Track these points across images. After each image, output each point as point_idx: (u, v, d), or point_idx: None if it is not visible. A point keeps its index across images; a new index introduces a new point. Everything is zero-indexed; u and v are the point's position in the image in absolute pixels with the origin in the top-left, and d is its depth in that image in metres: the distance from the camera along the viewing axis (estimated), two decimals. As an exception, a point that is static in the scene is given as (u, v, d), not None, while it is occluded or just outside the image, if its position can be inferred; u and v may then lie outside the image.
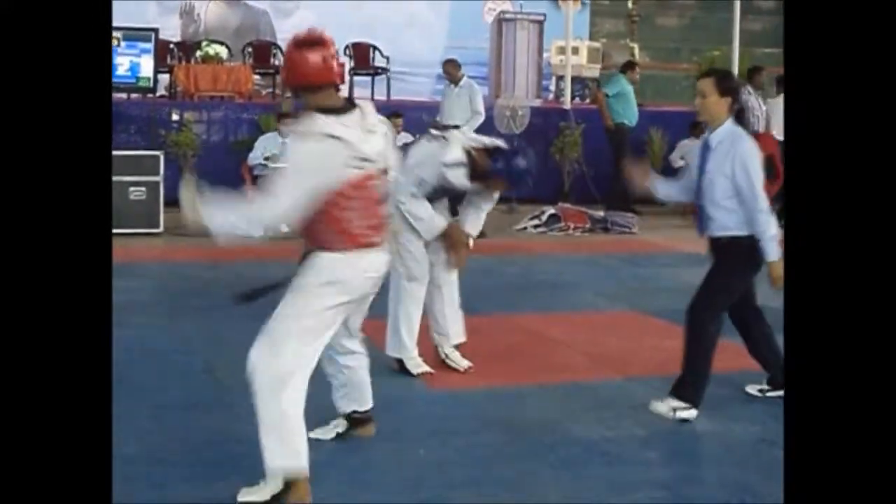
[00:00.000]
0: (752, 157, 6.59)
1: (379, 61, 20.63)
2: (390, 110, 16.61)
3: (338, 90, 5.51)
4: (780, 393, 6.87)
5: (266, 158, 14.83)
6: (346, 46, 20.01)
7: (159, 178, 14.17)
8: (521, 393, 7.20)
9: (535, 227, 15.71)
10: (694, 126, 18.51)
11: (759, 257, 6.68)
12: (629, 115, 17.90)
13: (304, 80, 5.40)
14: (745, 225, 6.66)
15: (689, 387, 6.78)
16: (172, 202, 15.63)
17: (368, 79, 20.19)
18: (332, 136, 5.14)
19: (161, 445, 6.10)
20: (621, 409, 6.92)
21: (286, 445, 5.31)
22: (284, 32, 22.38)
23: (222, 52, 19.01)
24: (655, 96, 21.14)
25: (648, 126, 19.18)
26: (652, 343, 8.68)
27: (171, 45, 19.93)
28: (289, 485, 5.33)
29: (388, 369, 7.63)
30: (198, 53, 18.99)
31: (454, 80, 16.26)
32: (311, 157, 5.16)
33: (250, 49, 20.79)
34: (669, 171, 18.63)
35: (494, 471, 5.88)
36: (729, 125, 6.70)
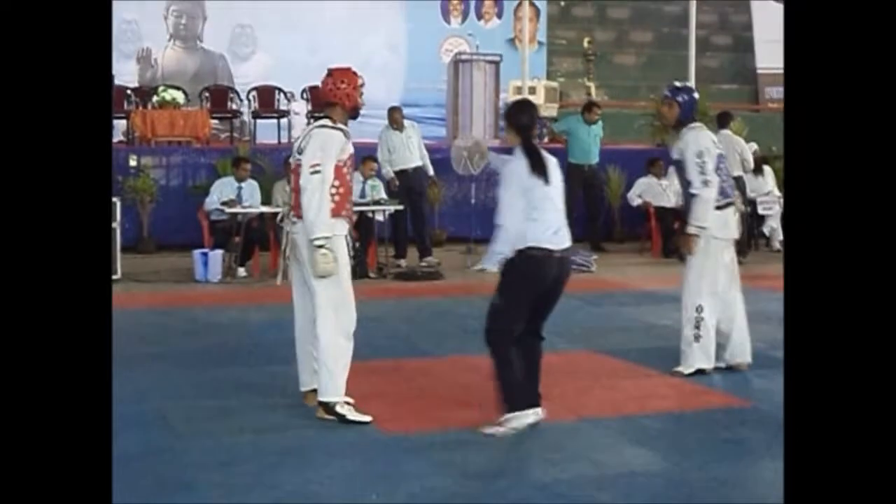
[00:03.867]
0: (505, 174, 7.28)
1: (336, 104, 20.63)
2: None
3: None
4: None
5: (223, 203, 14.77)
6: (304, 90, 20.05)
7: (115, 224, 14.04)
8: (475, 436, 7.16)
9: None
10: (651, 163, 18.60)
11: (525, 272, 7.16)
12: (576, 154, 18.12)
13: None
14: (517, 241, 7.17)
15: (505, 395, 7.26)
16: (129, 248, 15.64)
17: (326, 121, 20.19)
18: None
19: (113, 494, 6.02)
20: (575, 450, 6.91)
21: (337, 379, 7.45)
22: (242, 77, 22.49)
23: (179, 97, 18.97)
24: (613, 134, 21.20)
25: (606, 164, 19.25)
26: (607, 383, 8.69)
27: (128, 91, 19.90)
28: None
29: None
30: (154, 99, 18.94)
31: (401, 127, 16.38)
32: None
33: (207, 94, 20.77)
34: (627, 209, 18.75)
35: (447, 515, 5.86)
36: (517, 149, 7.31)
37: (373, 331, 10.56)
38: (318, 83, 7.92)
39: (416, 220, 16.24)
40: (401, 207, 15.55)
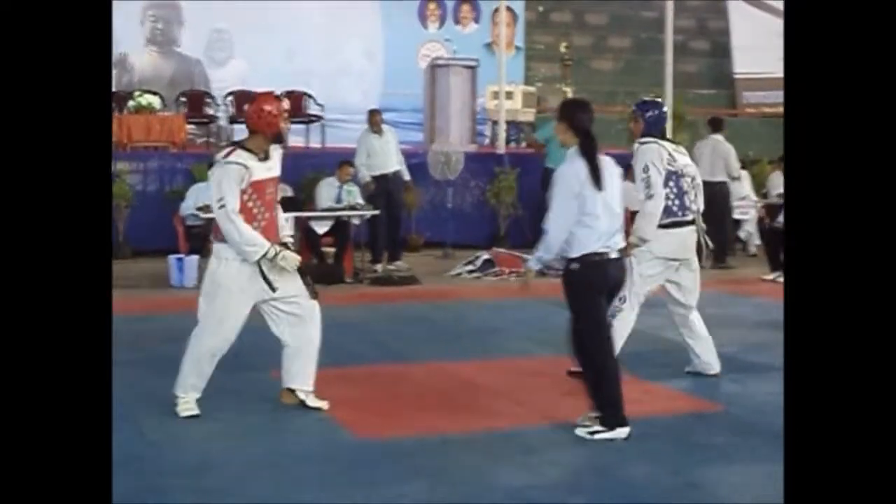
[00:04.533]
0: (557, 178, 7.20)
1: (313, 109, 20.64)
2: (327, 158, 16.69)
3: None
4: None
5: (199, 208, 14.73)
6: (280, 95, 19.95)
7: (91, 230, 13.97)
8: (448, 441, 7.18)
9: (470, 272, 15.71)
10: (628, 169, 18.57)
11: (589, 279, 7.10)
12: (556, 159, 17.70)
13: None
14: (567, 247, 7.11)
15: (604, 412, 7.22)
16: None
17: (303, 127, 20.20)
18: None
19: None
20: (547, 455, 6.91)
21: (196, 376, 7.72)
22: (218, 82, 22.47)
23: (155, 101, 18.92)
24: (590, 139, 21.28)
25: (583, 169, 19.26)
26: (578, 387, 8.65)
27: (105, 96, 19.86)
28: None
29: (313, 417, 7.63)
30: (130, 103, 18.88)
31: (380, 130, 16.35)
32: None
33: (184, 98, 20.75)
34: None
35: (418, 521, 5.87)
36: (571, 150, 7.21)
37: (348, 336, 10.58)
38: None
39: (391, 226, 16.25)
40: (377, 212, 15.53)
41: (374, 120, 16.42)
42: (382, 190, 16.03)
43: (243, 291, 7.56)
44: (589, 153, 7.12)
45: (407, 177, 16.65)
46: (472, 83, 20.33)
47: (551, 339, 10.43)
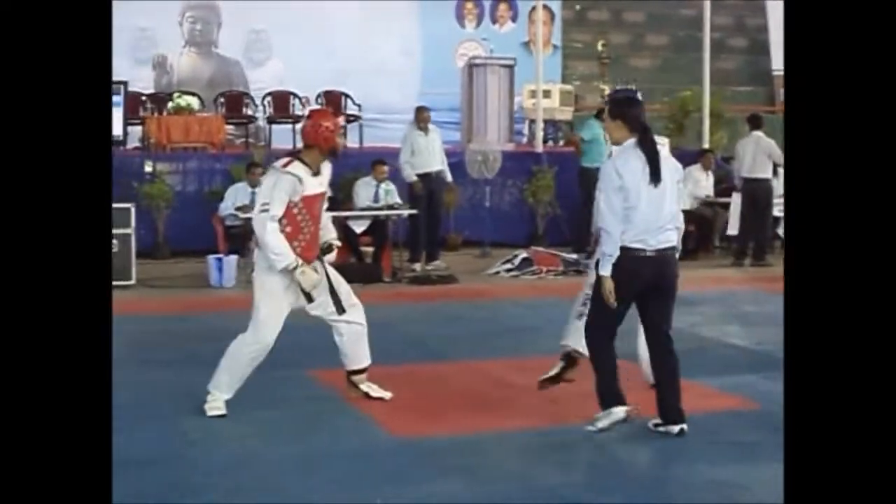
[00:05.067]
0: (601, 174, 7.11)
1: (351, 109, 20.66)
2: (365, 157, 16.71)
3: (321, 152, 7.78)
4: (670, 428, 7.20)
5: (237, 208, 14.80)
6: (318, 95, 20.09)
7: (130, 230, 14.05)
8: (482, 440, 7.21)
9: (508, 271, 15.69)
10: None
11: (614, 273, 6.97)
12: (594, 158, 16.63)
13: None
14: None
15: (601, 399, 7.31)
16: (144, 254, 15.67)
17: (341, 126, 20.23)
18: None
19: (123, 497, 6.06)
20: (582, 454, 6.94)
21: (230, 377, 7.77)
22: (257, 82, 22.53)
23: (194, 102, 19.03)
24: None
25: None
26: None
27: (144, 97, 19.99)
28: None
29: (350, 416, 7.67)
30: (170, 105, 19.00)
31: (427, 129, 16.28)
32: None
33: (222, 99, 20.83)
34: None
35: (451, 519, 5.90)
36: (626, 144, 7.10)
37: (385, 335, 10.57)
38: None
39: (431, 225, 16.21)
40: (415, 212, 15.54)
41: (422, 117, 16.30)
42: (425, 189, 15.99)
43: (282, 296, 7.66)
44: (649, 147, 7.00)
45: (449, 178, 16.61)
46: (510, 82, 20.30)
47: (587, 337, 10.46)
